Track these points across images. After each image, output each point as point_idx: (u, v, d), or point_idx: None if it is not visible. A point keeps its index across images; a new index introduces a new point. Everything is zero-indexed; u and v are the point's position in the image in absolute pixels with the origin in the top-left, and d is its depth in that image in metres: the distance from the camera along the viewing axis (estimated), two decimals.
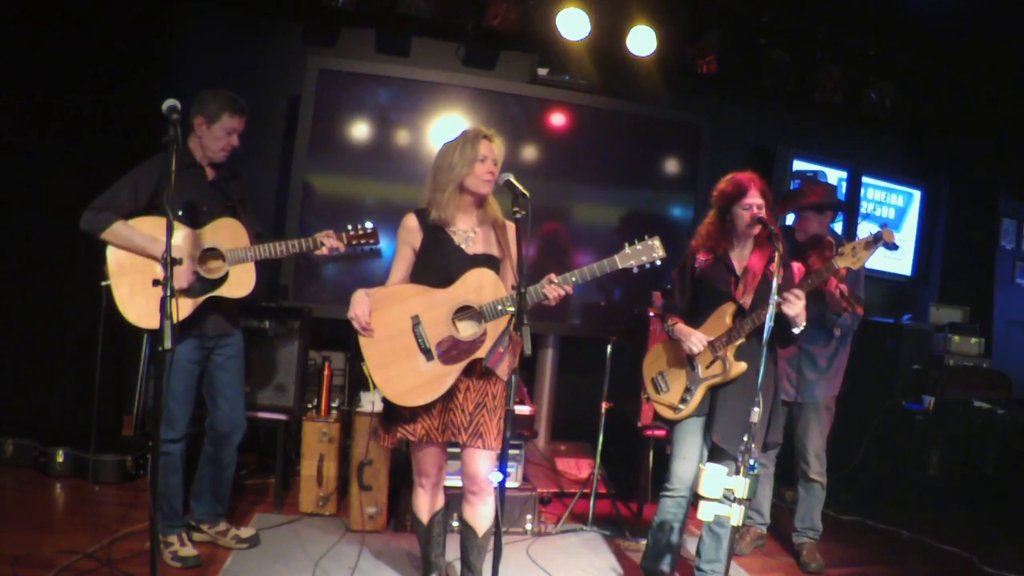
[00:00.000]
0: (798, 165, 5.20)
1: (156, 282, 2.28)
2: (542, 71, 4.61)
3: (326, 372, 3.73)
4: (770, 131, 5.26)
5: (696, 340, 2.74)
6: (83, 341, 3.88)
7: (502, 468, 2.25)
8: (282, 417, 3.65)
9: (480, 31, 4.41)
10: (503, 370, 2.35)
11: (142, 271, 2.74)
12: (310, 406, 3.75)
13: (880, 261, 5.32)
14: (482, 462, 2.46)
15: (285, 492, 3.71)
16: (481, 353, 2.39)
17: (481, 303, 2.39)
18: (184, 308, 2.76)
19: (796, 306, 2.55)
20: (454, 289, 2.42)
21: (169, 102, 2.22)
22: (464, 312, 2.42)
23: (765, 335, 2.36)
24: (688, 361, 2.83)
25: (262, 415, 3.62)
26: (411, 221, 2.52)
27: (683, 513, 2.85)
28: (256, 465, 4.15)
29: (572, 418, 4.78)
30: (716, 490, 2.25)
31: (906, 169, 5.71)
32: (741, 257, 2.83)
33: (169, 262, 2.21)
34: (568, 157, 4.62)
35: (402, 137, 4.40)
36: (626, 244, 2.41)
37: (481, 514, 2.52)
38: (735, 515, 2.25)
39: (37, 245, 3.90)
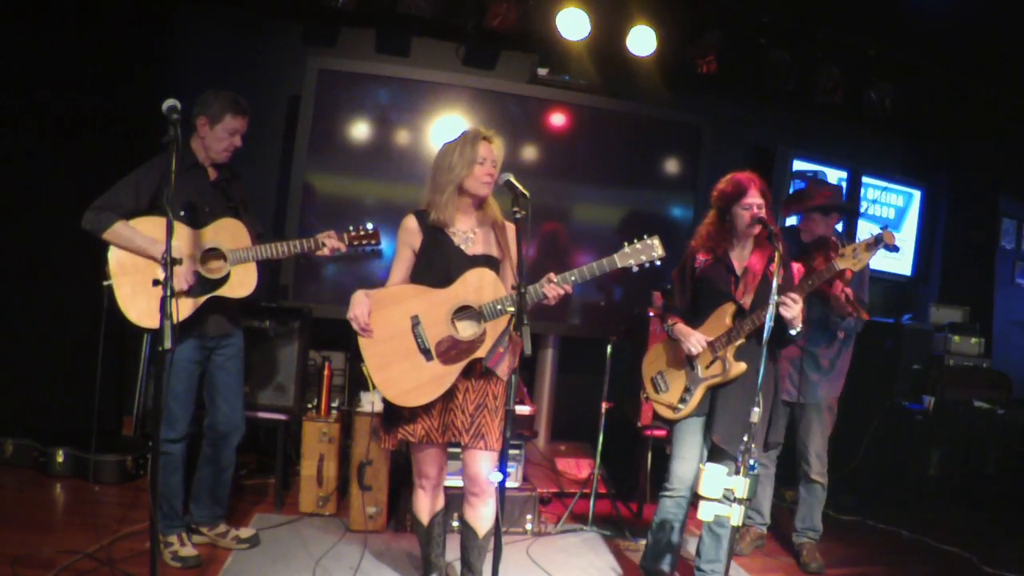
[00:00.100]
0: (798, 165, 5.20)
1: (156, 282, 2.28)
2: (542, 71, 4.61)
3: (326, 372, 3.73)
4: (770, 131, 5.26)
5: (695, 341, 2.74)
6: (83, 341, 3.88)
7: (502, 468, 2.25)
8: (282, 417, 3.65)
9: (480, 31, 4.41)
10: (503, 370, 2.35)
11: (143, 271, 2.74)
12: (310, 406, 3.75)
13: (880, 261, 5.32)
14: (483, 463, 2.46)
15: (285, 492, 3.71)
16: (481, 353, 2.39)
17: (481, 303, 2.39)
18: (185, 308, 2.77)
19: (793, 309, 2.55)
20: (454, 289, 2.42)
21: (169, 102, 2.22)
22: (464, 312, 2.42)
23: (765, 335, 2.37)
24: (688, 361, 2.83)
25: (262, 415, 3.63)
26: (411, 222, 2.52)
27: (683, 513, 2.85)
28: (256, 465, 4.15)
29: (572, 418, 4.78)
30: (716, 490, 2.25)
31: (906, 169, 5.72)
32: (741, 257, 2.83)
33: (169, 262, 2.21)
34: (568, 157, 4.61)
35: (402, 137, 4.40)
36: (625, 243, 2.41)
37: (482, 515, 2.52)
38: (735, 515, 2.25)
39: (37, 245, 3.91)
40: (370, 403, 3.49)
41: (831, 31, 4.83)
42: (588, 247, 4.62)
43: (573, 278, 2.39)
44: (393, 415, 2.48)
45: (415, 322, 2.41)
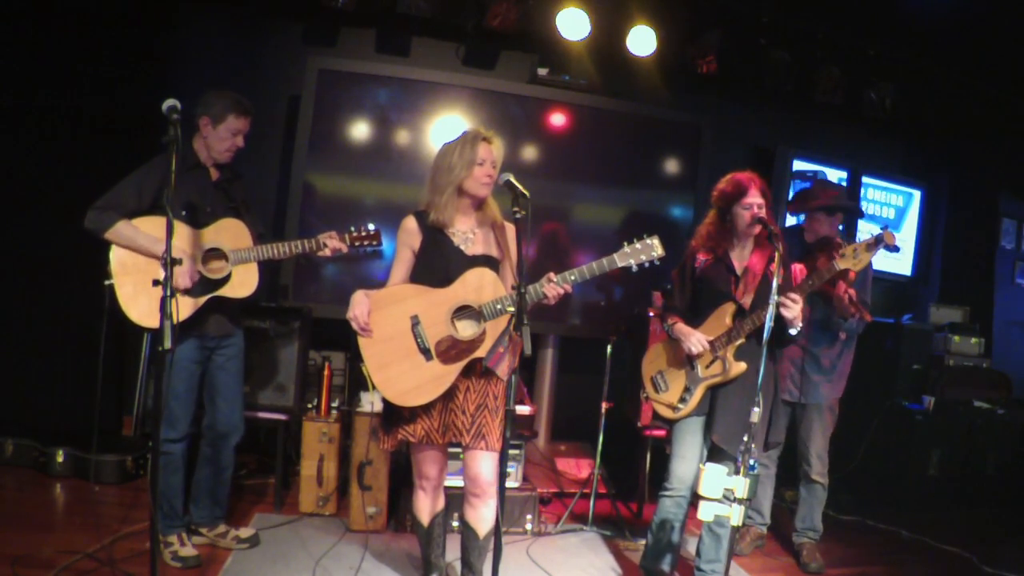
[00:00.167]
0: (798, 165, 5.20)
1: (156, 282, 2.28)
2: (542, 71, 4.61)
3: (326, 372, 3.73)
4: (770, 131, 5.26)
5: (696, 341, 2.74)
6: (83, 341, 3.89)
7: (502, 468, 2.25)
8: (282, 417, 3.65)
9: (480, 31, 4.41)
10: (503, 370, 2.35)
11: (145, 270, 2.74)
12: (310, 406, 3.75)
13: (880, 261, 5.32)
14: (485, 464, 2.46)
15: (285, 492, 3.71)
16: (481, 353, 2.39)
17: (481, 303, 2.39)
18: (187, 308, 2.77)
19: (794, 309, 2.55)
20: (453, 289, 2.42)
21: (169, 102, 2.22)
22: (463, 312, 2.42)
23: (765, 335, 2.37)
24: (687, 361, 2.83)
25: (262, 415, 3.62)
26: (410, 223, 2.52)
27: (683, 513, 2.85)
28: (256, 465, 4.15)
29: (572, 418, 4.78)
30: (716, 490, 2.25)
31: (906, 169, 5.72)
32: (741, 257, 2.83)
33: (169, 262, 2.21)
34: (568, 157, 4.61)
35: (402, 137, 4.40)
36: (625, 243, 2.41)
37: (483, 516, 2.52)
38: (735, 515, 2.25)
39: (37, 245, 3.91)
40: (370, 403, 3.49)
41: (831, 31, 4.83)
42: (588, 247, 4.62)
43: (573, 278, 2.39)
44: (393, 415, 2.48)
45: (415, 322, 2.41)
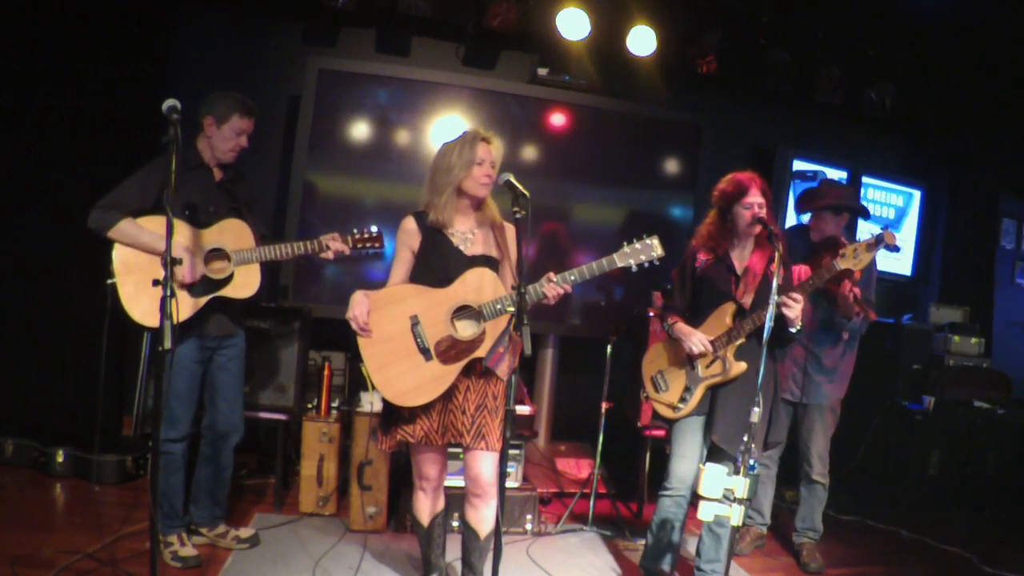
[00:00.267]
0: (798, 165, 5.20)
1: (156, 282, 2.28)
2: (542, 71, 4.61)
3: (326, 372, 3.73)
4: (770, 131, 5.26)
5: (697, 340, 2.73)
6: (83, 341, 3.89)
7: (502, 468, 2.24)
8: (282, 417, 3.65)
9: (480, 31, 4.42)
10: (503, 370, 2.34)
11: (147, 270, 2.74)
12: (310, 406, 3.75)
13: (880, 261, 5.28)
14: (486, 464, 2.46)
15: (285, 492, 3.71)
16: (480, 353, 2.39)
17: (480, 303, 2.39)
18: (188, 308, 2.77)
19: (795, 309, 2.55)
20: (453, 289, 2.42)
21: (169, 102, 2.22)
22: (463, 312, 2.42)
23: (765, 335, 2.37)
24: (688, 360, 2.83)
25: (262, 415, 3.62)
26: (409, 224, 2.52)
27: (682, 512, 2.85)
28: (256, 465, 4.15)
29: (572, 418, 4.78)
30: (716, 490, 2.25)
31: (906, 169, 5.72)
32: (742, 257, 2.83)
33: (169, 262, 2.22)
34: (568, 157, 4.62)
35: (402, 137, 4.40)
36: (625, 243, 2.41)
37: (484, 517, 2.51)
38: (735, 515, 2.25)
39: (37, 245, 3.91)
40: (370, 403, 3.49)
41: (831, 31, 4.84)
42: (588, 247, 4.62)
43: (573, 277, 2.39)
44: (392, 416, 2.47)
45: (414, 322, 2.41)
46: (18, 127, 3.88)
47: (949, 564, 3.73)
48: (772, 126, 5.28)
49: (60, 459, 3.68)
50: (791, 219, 5.14)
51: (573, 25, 4.33)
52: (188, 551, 2.91)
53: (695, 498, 2.37)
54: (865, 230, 5.11)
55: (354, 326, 2.40)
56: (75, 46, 3.93)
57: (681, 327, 2.82)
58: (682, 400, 2.82)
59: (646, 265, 2.41)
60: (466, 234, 2.51)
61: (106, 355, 3.37)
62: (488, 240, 2.53)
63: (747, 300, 2.74)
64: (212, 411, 3.04)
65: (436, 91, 4.39)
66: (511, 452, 3.60)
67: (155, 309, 2.68)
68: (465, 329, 2.42)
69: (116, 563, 2.79)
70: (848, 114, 5.14)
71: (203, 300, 2.82)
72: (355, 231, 2.99)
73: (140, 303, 2.75)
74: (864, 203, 5.25)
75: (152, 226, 2.76)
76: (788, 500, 4.25)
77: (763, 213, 2.70)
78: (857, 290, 3.18)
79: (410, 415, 2.44)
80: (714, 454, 2.74)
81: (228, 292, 2.85)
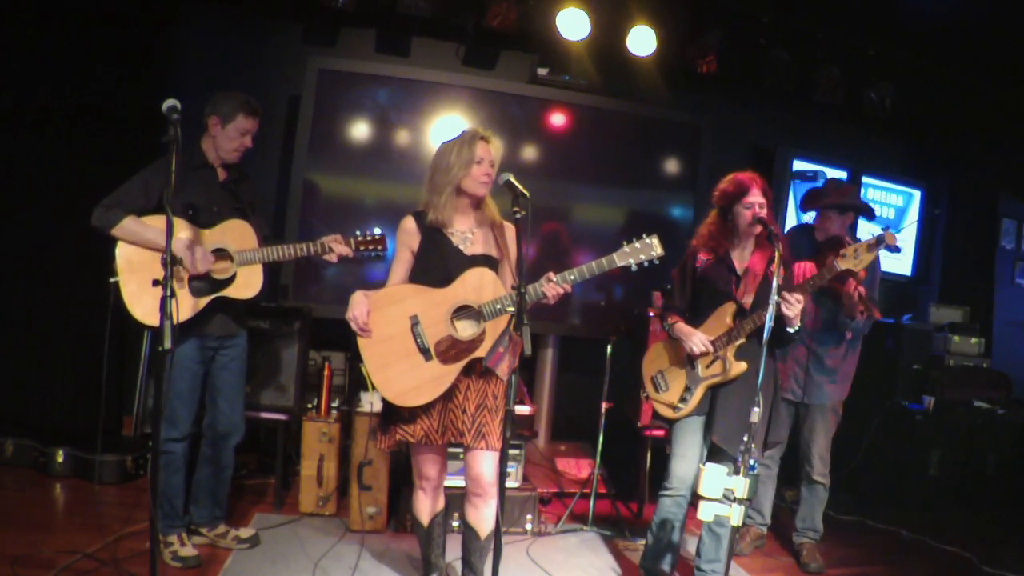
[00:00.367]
0: (798, 165, 5.20)
1: (156, 282, 2.29)
2: (542, 71, 4.61)
3: (326, 372, 3.73)
4: (770, 131, 5.26)
5: (698, 341, 2.73)
6: (83, 341, 3.89)
7: (502, 468, 2.24)
8: (282, 417, 3.65)
9: (480, 31, 4.42)
10: (503, 370, 2.34)
11: (150, 268, 2.74)
12: (310, 406, 3.75)
13: (881, 261, 5.33)
14: (486, 463, 2.46)
15: (285, 492, 3.71)
16: (480, 353, 2.39)
17: (480, 303, 2.39)
18: (189, 308, 2.77)
19: (795, 308, 2.55)
20: (453, 288, 2.42)
21: (169, 102, 2.22)
22: (463, 312, 2.42)
23: (765, 335, 2.37)
24: (688, 360, 2.83)
25: (262, 415, 3.62)
26: (409, 223, 2.52)
27: (682, 512, 2.85)
28: (256, 465, 4.15)
29: (572, 418, 4.78)
30: (716, 490, 2.25)
31: (906, 169, 5.71)
32: (742, 257, 2.83)
33: (169, 262, 2.22)
34: (568, 157, 4.62)
35: (402, 137, 4.40)
36: (624, 242, 2.41)
37: (484, 516, 2.51)
38: (735, 515, 2.25)
39: (37, 245, 3.91)
40: (370, 403, 3.49)
41: (831, 31, 4.84)
42: (588, 247, 4.62)
43: (572, 277, 2.39)
44: (392, 415, 2.47)
45: (414, 322, 2.41)
46: (18, 127, 3.88)
47: (949, 564, 3.73)
48: (772, 126, 5.28)
49: (60, 459, 3.67)
50: (791, 219, 5.14)
51: (573, 25, 4.33)
52: (188, 551, 2.91)
53: (695, 498, 2.37)
54: (865, 231, 5.12)
55: (354, 326, 2.40)
56: (75, 46, 3.93)
57: (681, 327, 2.82)
58: (682, 400, 2.82)
59: (646, 264, 2.41)
60: (466, 233, 2.51)
61: (108, 354, 3.38)
62: (488, 239, 2.53)
63: (747, 300, 2.74)
64: (213, 411, 3.04)
65: (436, 91, 4.39)
66: (511, 452, 3.60)
67: (157, 308, 2.69)
68: (465, 329, 2.41)
69: (116, 563, 2.79)
70: (848, 114, 5.14)
71: (205, 300, 2.82)
72: (358, 234, 2.98)
73: (142, 302, 2.75)
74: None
75: (156, 224, 2.76)
76: (788, 500, 4.25)
77: (764, 213, 2.70)
78: (862, 289, 3.17)
79: (410, 415, 2.43)
80: (714, 454, 2.74)
81: (230, 292, 2.85)
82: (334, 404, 3.80)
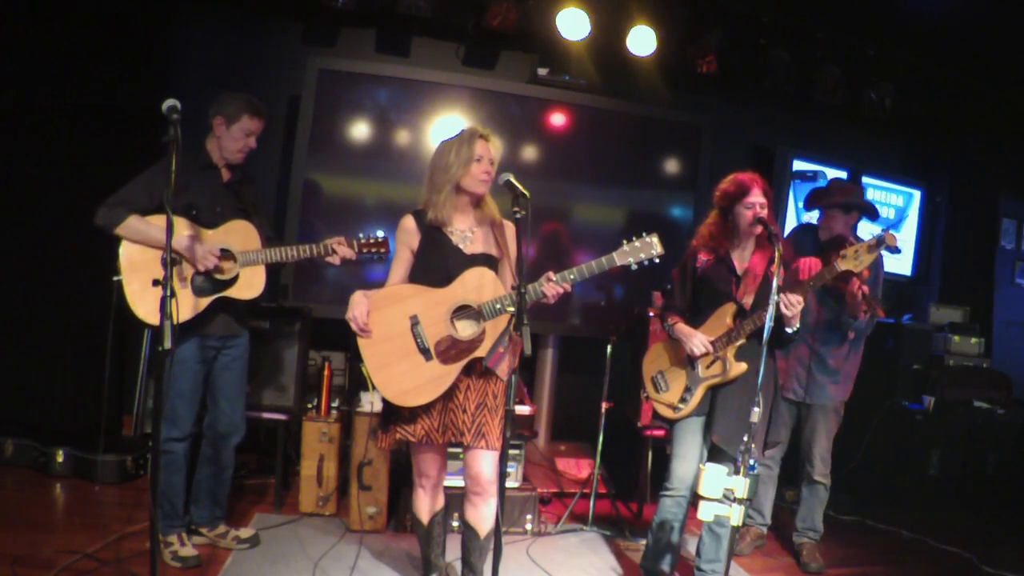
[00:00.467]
0: (798, 165, 5.20)
1: (156, 282, 2.29)
2: (542, 71, 4.61)
3: (326, 372, 3.73)
4: (770, 131, 5.27)
5: (699, 342, 2.73)
6: (83, 341, 3.89)
7: (502, 468, 2.24)
8: (282, 417, 3.65)
9: (480, 31, 4.42)
10: (503, 370, 2.34)
11: (152, 268, 2.75)
12: (310, 406, 3.75)
13: None
14: (485, 463, 2.46)
15: (285, 492, 3.71)
16: (480, 352, 2.39)
17: (480, 302, 2.39)
18: (191, 308, 2.78)
19: (794, 309, 2.56)
20: (453, 288, 2.42)
21: (169, 102, 2.22)
22: (463, 311, 2.42)
23: (765, 335, 2.37)
24: (688, 361, 2.83)
25: (263, 415, 3.62)
26: (408, 222, 2.52)
27: (683, 513, 2.85)
28: (256, 465, 4.15)
29: (572, 418, 4.78)
30: (716, 490, 2.25)
31: (906, 169, 5.72)
32: (742, 258, 2.83)
33: (168, 262, 2.22)
34: (568, 157, 4.62)
35: (402, 137, 4.40)
36: (624, 241, 2.41)
37: (484, 515, 2.51)
38: (735, 515, 2.25)
39: (37, 246, 3.91)
40: (370, 403, 3.49)
41: (831, 31, 4.84)
42: (588, 247, 4.62)
43: (572, 276, 2.38)
44: (392, 415, 2.47)
45: (414, 322, 2.41)
46: (18, 127, 3.88)
47: (949, 564, 3.73)
48: (772, 126, 5.28)
49: (60, 459, 3.67)
50: (792, 219, 5.14)
51: (573, 25, 4.33)
52: (188, 551, 2.91)
53: (695, 498, 2.37)
54: (864, 231, 5.12)
55: (354, 327, 2.40)
56: (75, 46, 3.93)
57: (682, 328, 2.82)
58: (682, 400, 2.82)
59: (646, 263, 2.41)
60: (465, 232, 2.50)
61: (110, 354, 3.38)
62: (488, 238, 2.53)
63: (747, 301, 2.75)
64: (214, 411, 3.04)
65: (436, 91, 4.39)
66: (511, 452, 3.60)
67: (158, 307, 2.70)
68: (465, 329, 2.41)
69: (116, 563, 2.78)
70: (848, 114, 5.14)
71: (207, 300, 2.83)
72: (361, 236, 2.98)
73: (145, 301, 2.76)
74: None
75: (161, 223, 2.75)
76: (788, 500, 4.25)
77: (764, 213, 2.70)
78: (865, 288, 3.17)
79: (410, 414, 2.43)
80: (715, 454, 2.74)
81: (233, 293, 2.86)
82: (334, 404, 3.80)
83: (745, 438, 2.27)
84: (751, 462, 2.24)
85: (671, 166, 4.85)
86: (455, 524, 3.29)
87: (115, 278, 2.76)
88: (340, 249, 2.93)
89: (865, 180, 5.39)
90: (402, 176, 4.34)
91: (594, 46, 4.58)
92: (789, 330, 2.63)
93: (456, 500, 2.87)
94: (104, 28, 3.99)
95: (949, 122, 5.30)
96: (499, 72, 4.76)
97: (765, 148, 5.20)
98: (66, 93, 3.91)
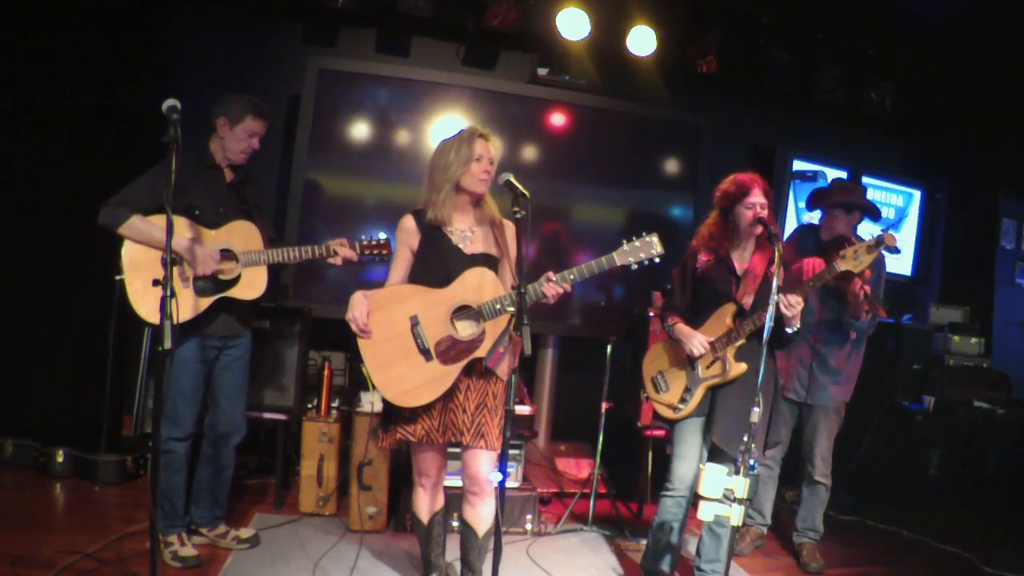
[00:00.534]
0: (798, 165, 5.20)
1: (156, 282, 2.29)
2: (542, 71, 4.61)
3: (326, 372, 3.73)
4: (770, 131, 5.27)
5: (698, 343, 2.73)
6: (83, 341, 3.89)
7: (502, 468, 2.24)
8: (282, 417, 3.65)
9: (480, 31, 4.42)
10: (503, 370, 2.35)
11: (153, 267, 2.75)
12: (310, 406, 3.75)
13: None
14: (484, 462, 2.46)
15: (285, 492, 3.71)
16: (480, 353, 2.39)
17: (480, 302, 2.39)
18: (192, 308, 2.78)
19: (793, 309, 2.56)
20: (453, 289, 2.42)
21: (169, 102, 2.23)
22: (463, 312, 2.42)
23: (765, 336, 2.37)
24: (688, 361, 2.83)
25: (263, 415, 3.62)
26: (408, 222, 2.52)
27: (683, 513, 2.85)
28: (256, 465, 4.15)
29: (572, 418, 4.78)
30: (716, 490, 2.25)
31: (906, 169, 5.72)
32: (742, 258, 2.83)
33: (168, 262, 2.22)
34: (568, 157, 4.62)
35: (402, 137, 4.40)
36: (624, 241, 2.41)
37: (482, 515, 2.52)
38: (735, 515, 2.25)
39: (37, 246, 3.91)
40: (370, 403, 3.49)
41: (831, 31, 4.84)
42: (588, 247, 4.62)
43: (572, 276, 2.38)
44: (392, 415, 2.47)
45: (414, 322, 2.41)
46: (18, 127, 3.88)
47: (949, 564, 3.73)
48: (772, 126, 5.29)
49: (60, 459, 3.67)
50: (792, 219, 5.14)
51: (573, 25, 4.33)
52: (188, 551, 2.91)
53: (696, 498, 2.37)
54: (864, 231, 5.12)
55: (354, 327, 2.40)
56: (75, 46, 3.93)
57: (681, 328, 2.82)
58: (682, 401, 2.82)
59: (646, 263, 2.41)
60: (465, 232, 2.50)
61: (111, 353, 3.38)
62: (487, 238, 2.53)
63: (747, 301, 2.75)
64: (214, 411, 3.04)
65: (436, 91, 4.39)
66: (511, 452, 3.60)
67: (159, 307, 2.70)
68: (465, 329, 2.41)
69: (116, 563, 2.78)
70: (848, 114, 5.14)
71: (209, 300, 2.83)
72: (363, 238, 2.98)
73: (146, 300, 2.76)
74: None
75: (163, 223, 2.76)
76: (789, 500, 4.25)
77: (764, 213, 2.70)
78: (867, 288, 3.17)
79: (411, 414, 2.43)
80: (715, 454, 2.74)
81: (235, 293, 2.86)
82: (334, 404, 3.79)
83: (745, 438, 2.27)
84: (751, 462, 2.24)
85: (671, 166, 4.85)
86: (455, 524, 3.28)
87: (117, 277, 2.77)
88: (342, 251, 2.93)
89: (865, 180, 5.38)
90: (402, 176, 4.34)
91: (594, 46, 4.58)
92: (789, 330, 2.63)
93: (456, 500, 2.87)
94: (104, 28, 3.99)
95: (949, 122, 5.30)
96: (499, 72, 4.76)
97: (765, 148, 5.20)
98: (66, 93, 3.91)
